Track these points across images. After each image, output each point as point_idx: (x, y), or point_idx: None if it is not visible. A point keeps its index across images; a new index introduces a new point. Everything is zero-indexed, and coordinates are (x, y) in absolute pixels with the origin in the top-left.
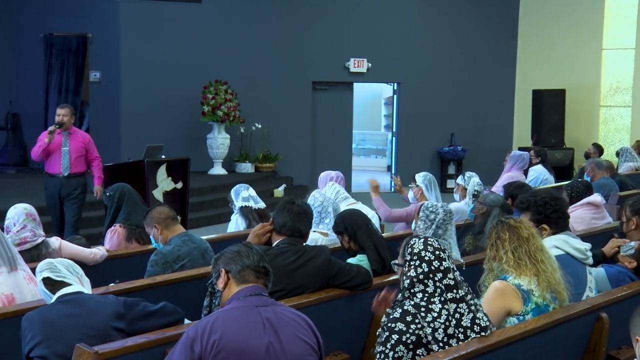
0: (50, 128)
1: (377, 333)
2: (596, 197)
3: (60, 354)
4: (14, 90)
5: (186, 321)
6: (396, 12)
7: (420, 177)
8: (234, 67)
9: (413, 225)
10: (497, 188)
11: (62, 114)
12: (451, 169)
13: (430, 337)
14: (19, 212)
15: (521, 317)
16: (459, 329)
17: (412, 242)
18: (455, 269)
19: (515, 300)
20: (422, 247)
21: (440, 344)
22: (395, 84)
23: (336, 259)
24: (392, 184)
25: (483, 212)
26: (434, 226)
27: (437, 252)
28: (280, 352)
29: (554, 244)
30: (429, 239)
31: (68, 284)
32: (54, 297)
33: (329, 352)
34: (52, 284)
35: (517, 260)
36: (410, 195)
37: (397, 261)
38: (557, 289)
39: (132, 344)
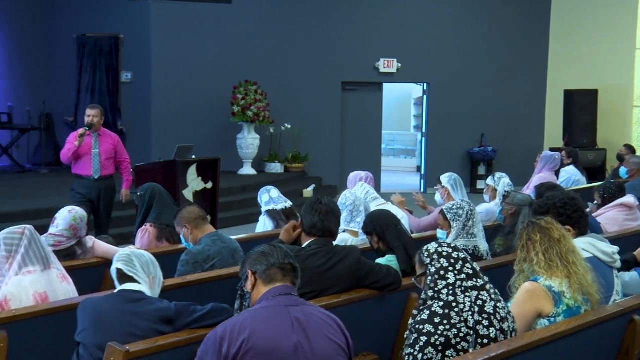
0: (80, 131)
1: (405, 335)
2: (629, 199)
3: (100, 346)
4: (47, 91)
5: None
6: (426, 12)
7: (445, 178)
8: (264, 67)
9: (440, 233)
10: (529, 190)
11: (92, 114)
12: (481, 170)
13: (463, 333)
14: (67, 221)
15: (552, 319)
16: (483, 315)
17: (425, 247)
18: (471, 259)
19: (546, 302)
20: (437, 245)
21: (471, 332)
22: (425, 84)
23: (366, 259)
24: (422, 184)
25: (512, 213)
26: (464, 219)
27: (451, 247)
28: (309, 352)
29: (582, 247)
30: (440, 241)
31: (135, 281)
32: (117, 289)
33: (358, 353)
34: (121, 276)
35: (548, 262)
36: (437, 197)
37: (417, 273)
38: (589, 291)
39: (162, 343)
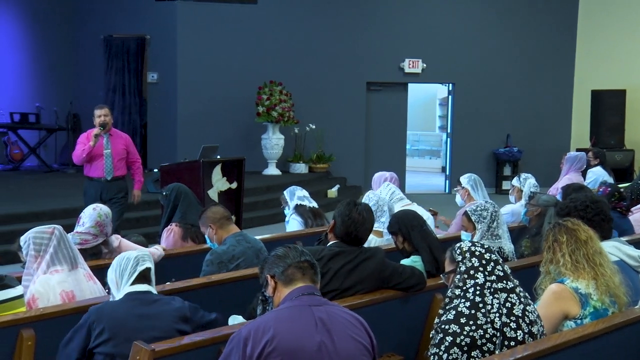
0: (96, 130)
1: (431, 335)
2: None
3: (126, 355)
4: (74, 91)
5: (240, 319)
6: (451, 12)
7: (465, 179)
8: (288, 67)
9: (464, 235)
10: (556, 191)
11: (102, 114)
12: (507, 171)
13: (489, 335)
14: (93, 218)
15: (579, 321)
16: (511, 318)
17: (458, 245)
18: (502, 262)
19: (572, 304)
20: (470, 244)
21: (498, 333)
22: (450, 85)
23: (390, 260)
24: (447, 185)
25: (537, 214)
26: (488, 221)
27: (485, 247)
28: (332, 352)
29: (608, 251)
30: (473, 241)
31: (142, 282)
32: (121, 292)
33: (383, 353)
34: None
35: (574, 263)
36: (458, 198)
37: (446, 270)
38: (616, 292)
39: (187, 342)
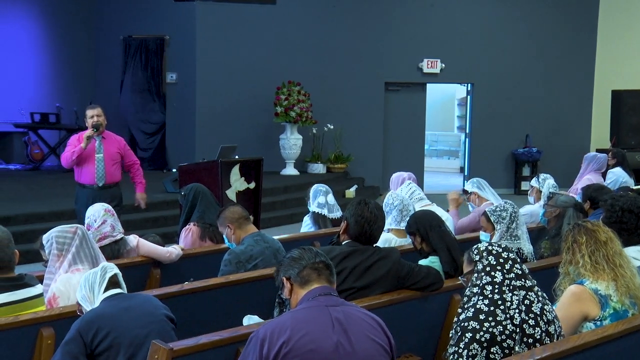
0: (88, 132)
1: (450, 335)
2: None
3: (127, 345)
4: (94, 92)
5: (255, 319)
6: (470, 12)
7: (469, 185)
8: (307, 68)
9: (483, 236)
10: (575, 191)
11: (95, 114)
12: (526, 171)
13: (509, 331)
14: (97, 210)
15: (598, 323)
16: (530, 315)
17: (475, 246)
18: (520, 261)
19: (592, 305)
20: (487, 244)
21: (517, 329)
22: (469, 85)
23: (405, 260)
24: (465, 184)
25: (556, 215)
26: (508, 221)
27: (502, 247)
28: (350, 352)
29: (632, 255)
30: (490, 242)
31: (115, 287)
32: (97, 302)
33: (401, 354)
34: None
35: (594, 265)
36: (470, 207)
37: (464, 272)
38: (636, 294)
39: (205, 342)
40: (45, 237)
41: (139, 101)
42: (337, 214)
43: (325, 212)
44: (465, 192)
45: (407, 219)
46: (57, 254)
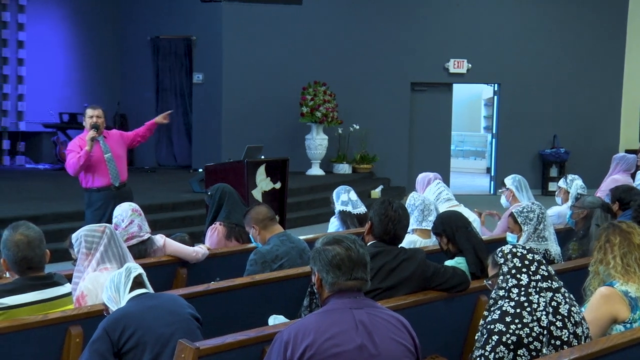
0: (91, 133)
1: (476, 337)
2: None
3: (153, 343)
4: (122, 92)
5: (280, 319)
6: (497, 11)
7: (509, 180)
8: (333, 68)
9: (509, 237)
10: (602, 192)
11: (95, 115)
12: (553, 172)
13: (536, 333)
14: (125, 209)
15: (628, 325)
16: (557, 317)
17: (499, 249)
18: (545, 262)
19: (622, 307)
20: (511, 246)
21: (544, 331)
22: (496, 85)
23: (431, 261)
24: (492, 186)
25: (584, 216)
26: (535, 223)
27: (526, 249)
28: (375, 355)
29: None
30: (514, 244)
31: (141, 286)
32: (123, 302)
33: (427, 355)
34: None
35: (625, 267)
36: (503, 200)
37: (490, 275)
38: None
39: (231, 341)
40: (74, 236)
41: (167, 102)
42: (362, 209)
43: (349, 208)
44: (503, 185)
45: (429, 218)
46: (85, 253)
